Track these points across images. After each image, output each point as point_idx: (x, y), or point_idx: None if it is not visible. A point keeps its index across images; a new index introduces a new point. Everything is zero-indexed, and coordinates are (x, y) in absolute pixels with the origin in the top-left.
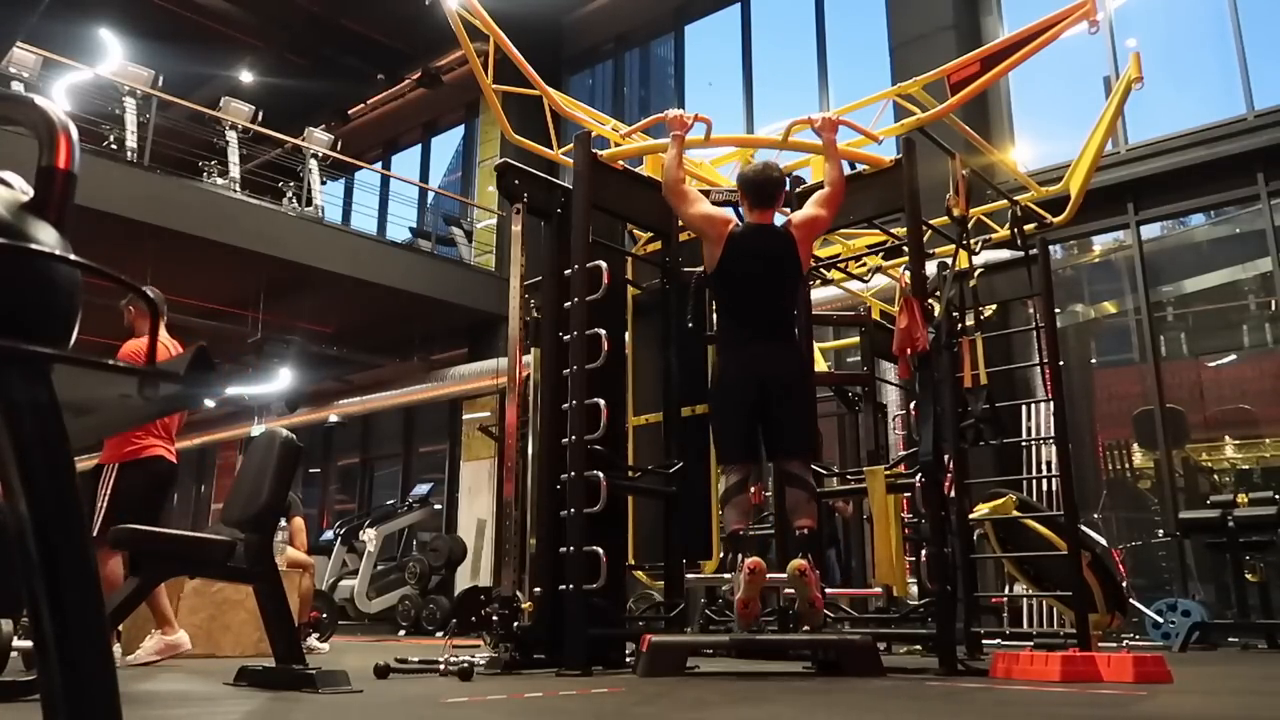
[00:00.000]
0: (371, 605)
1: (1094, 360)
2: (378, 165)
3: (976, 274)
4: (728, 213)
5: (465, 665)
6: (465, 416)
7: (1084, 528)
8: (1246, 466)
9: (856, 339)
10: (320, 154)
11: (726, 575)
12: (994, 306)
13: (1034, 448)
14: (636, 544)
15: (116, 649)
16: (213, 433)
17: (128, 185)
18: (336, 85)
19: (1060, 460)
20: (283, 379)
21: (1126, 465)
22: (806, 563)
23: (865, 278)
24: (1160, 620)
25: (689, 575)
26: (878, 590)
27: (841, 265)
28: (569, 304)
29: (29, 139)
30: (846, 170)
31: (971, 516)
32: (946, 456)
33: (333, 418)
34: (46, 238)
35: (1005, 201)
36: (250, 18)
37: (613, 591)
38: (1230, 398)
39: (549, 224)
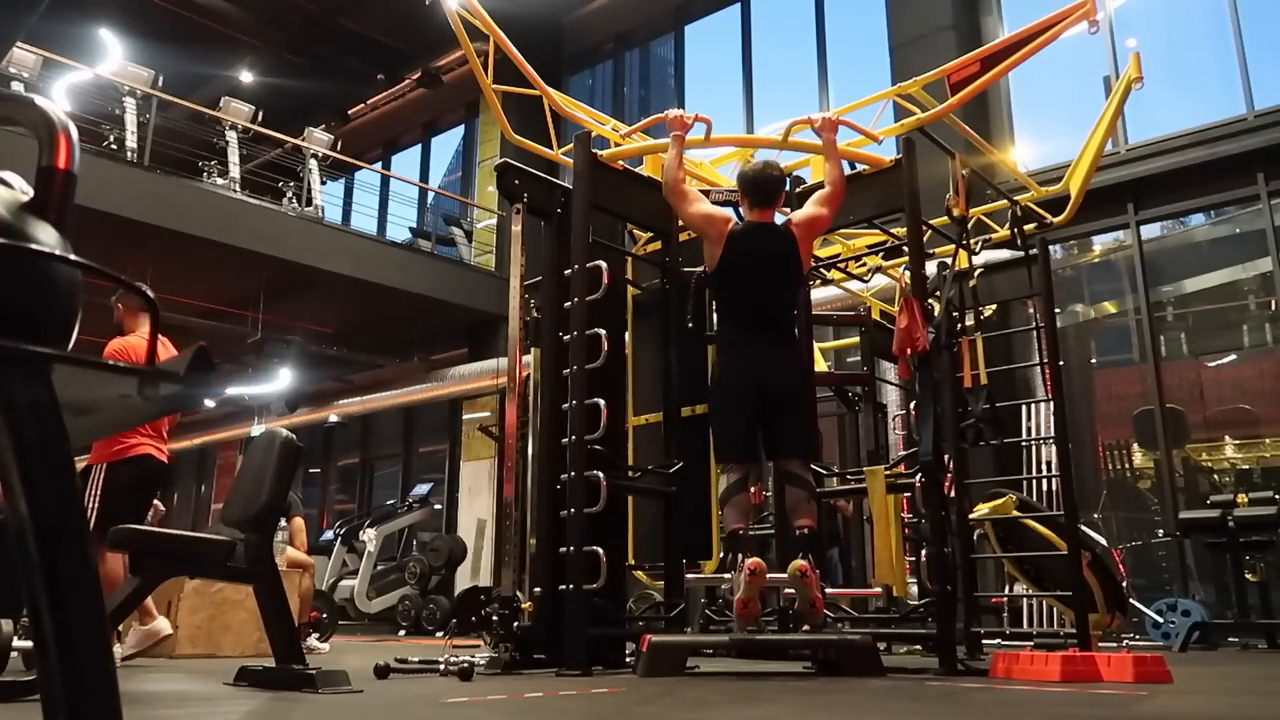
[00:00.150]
0: (371, 605)
1: (1094, 360)
2: (378, 165)
3: (976, 274)
4: (728, 212)
5: (465, 665)
6: (465, 416)
7: (1084, 528)
8: (1246, 466)
9: (856, 339)
10: (320, 154)
11: (726, 575)
12: (994, 306)
13: (1034, 448)
14: (636, 544)
15: (117, 649)
16: (213, 433)
17: (128, 185)
18: (336, 85)
19: (1060, 460)
20: (283, 379)
21: (1126, 465)
22: (807, 563)
23: (865, 278)
24: (1160, 620)
25: (689, 575)
26: (878, 590)
27: (841, 265)
28: (569, 304)
29: (29, 139)
30: (847, 170)
31: (971, 516)
32: (946, 456)
33: (333, 418)
34: (46, 238)
35: (1005, 201)
36: (250, 18)
37: (613, 591)
38: (1230, 398)
39: (549, 224)
